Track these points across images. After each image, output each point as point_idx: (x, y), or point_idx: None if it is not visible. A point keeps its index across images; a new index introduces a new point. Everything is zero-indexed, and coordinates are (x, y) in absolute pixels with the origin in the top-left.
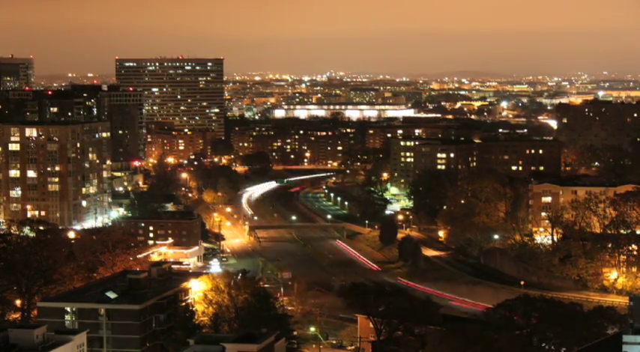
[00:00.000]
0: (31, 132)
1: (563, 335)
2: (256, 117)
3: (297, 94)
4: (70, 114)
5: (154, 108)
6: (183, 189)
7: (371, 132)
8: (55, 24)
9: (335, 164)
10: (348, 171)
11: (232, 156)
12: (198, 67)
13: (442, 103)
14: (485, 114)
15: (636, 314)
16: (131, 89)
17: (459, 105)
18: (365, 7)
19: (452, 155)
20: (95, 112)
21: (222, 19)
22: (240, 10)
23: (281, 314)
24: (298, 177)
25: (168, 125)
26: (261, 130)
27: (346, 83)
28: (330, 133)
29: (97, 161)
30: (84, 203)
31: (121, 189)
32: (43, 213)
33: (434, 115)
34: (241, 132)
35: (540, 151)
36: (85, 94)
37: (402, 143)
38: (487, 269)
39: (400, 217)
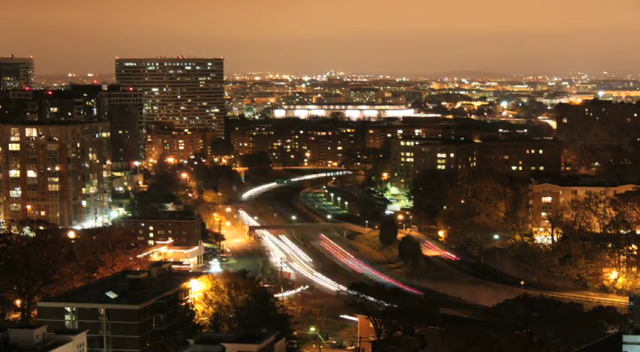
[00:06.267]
0: (31, 132)
1: (563, 335)
2: (256, 117)
3: (297, 94)
4: (70, 114)
5: (154, 108)
6: (183, 189)
7: (371, 132)
8: (55, 24)
9: (335, 164)
10: (348, 172)
11: (232, 156)
12: (198, 67)
13: (442, 103)
14: (485, 114)
15: (636, 314)
16: (131, 89)
17: (459, 105)
18: (365, 7)
19: (452, 155)
20: (95, 112)
21: (222, 19)
22: (240, 10)
23: (281, 314)
24: (298, 178)
25: (169, 125)
26: (261, 130)
27: (346, 83)
28: (330, 133)
29: (97, 161)
30: (84, 203)
31: (121, 189)
32: (43, 213)
33: (434, 115)
34: (241, 132)
35: (540, 151)
36: (85, 94)
37: (402, 143)
38: (487, 269)
39: (400, 217)
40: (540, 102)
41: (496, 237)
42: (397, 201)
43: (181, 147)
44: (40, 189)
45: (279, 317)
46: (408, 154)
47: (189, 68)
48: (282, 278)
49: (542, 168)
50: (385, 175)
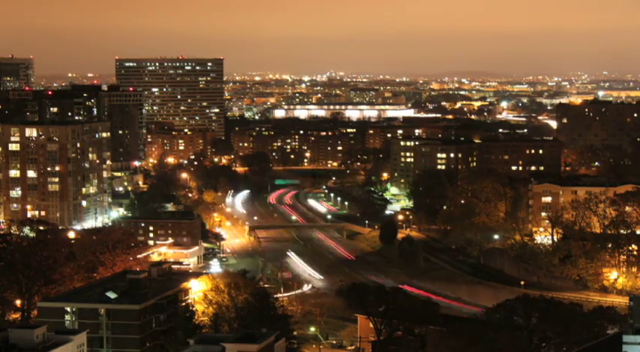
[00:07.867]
0: (31, 132)
1: (563, 335)
2: (256, 117)
3: (297, 94)
4: (70, 114)
5: (154, 108)
6: (183, 189)
7: (371, 132)
8: (55, 24)
9: (335, 164)
10: (348, 171)
11: (232, 156)
12: (198, 67)
13: (442, 103)
14: (485, 114)
15: (636, 314)
16: (131, 89)
17: (459, 105)
18: (365, 7)
19: (452, 155)
20: (95, 112)
21: (222, 19)
22: (240, 10)
23: (281, 314)
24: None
25: (169, 125)
26: (261, 130)
27: (346, 83)
28: (330, 133)
29: (97, 161)
30: (84, 203)
31: (121, 189)
32: (43, 213)
33: (434, 115)
34: (241, 132)
35: (540, 151)
36: (85, 94)
37: (402, 143)
38: (487, 269)
39: (400, 217)
40: (540, 102)
41: (496, 237)
42: (397, 201)
43: (181, 147)
44: (40, 189)
45: (279, 317)
46: (408, 154)
47: (189, 68)
48: (282, 279)
49: (542, 168)
50: (385, 175)
